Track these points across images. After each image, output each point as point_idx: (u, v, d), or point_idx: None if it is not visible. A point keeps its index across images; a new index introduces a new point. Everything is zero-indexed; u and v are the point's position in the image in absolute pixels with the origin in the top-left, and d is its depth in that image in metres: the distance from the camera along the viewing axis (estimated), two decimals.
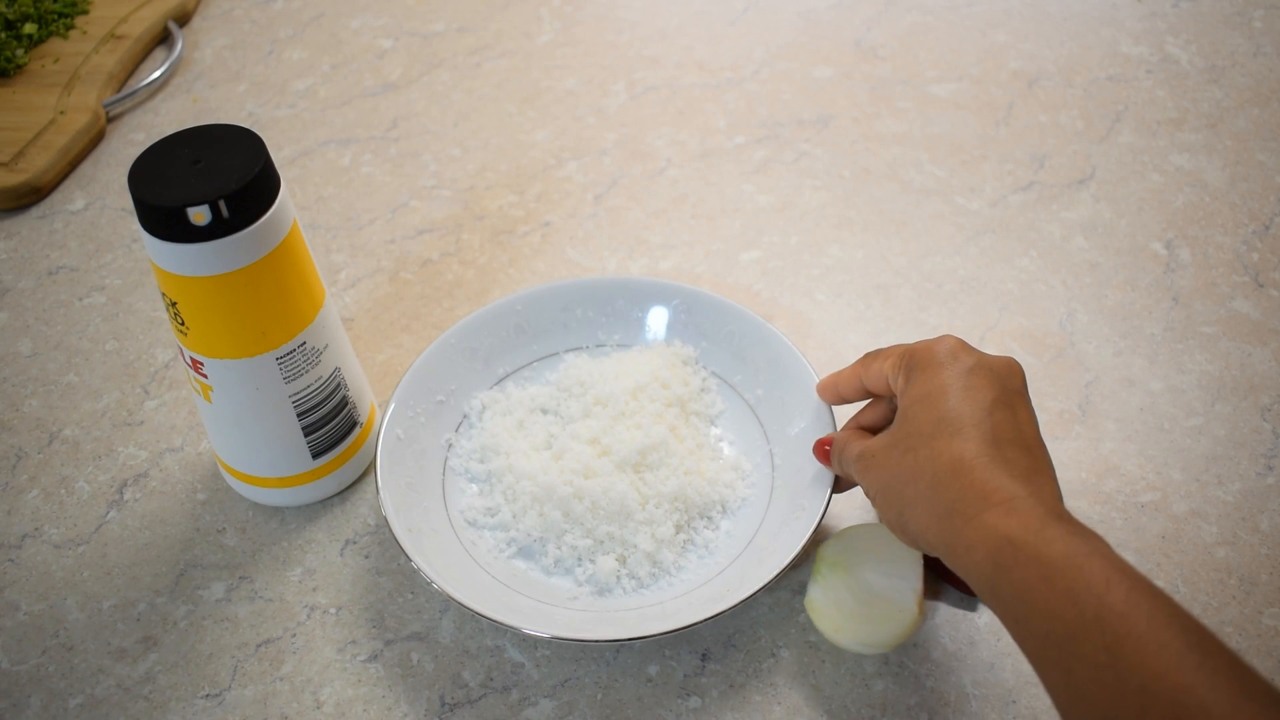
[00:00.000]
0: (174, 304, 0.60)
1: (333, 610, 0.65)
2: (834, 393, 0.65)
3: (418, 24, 1.10)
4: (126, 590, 0.67)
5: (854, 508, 0.69)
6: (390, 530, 0.63)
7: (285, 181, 0.60)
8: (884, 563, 0.61)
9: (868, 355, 0.62)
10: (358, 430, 0.70)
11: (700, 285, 0.82)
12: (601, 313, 0.76)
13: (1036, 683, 0.61)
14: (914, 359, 0.56)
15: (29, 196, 0.92)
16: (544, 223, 0.89)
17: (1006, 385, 0.54)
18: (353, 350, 0.69)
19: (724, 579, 0.63)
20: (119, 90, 1.02)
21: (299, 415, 0.65)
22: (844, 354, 0.78)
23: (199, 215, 0.55)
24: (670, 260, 0.86)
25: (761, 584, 0.59)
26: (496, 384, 0.74)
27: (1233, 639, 0.62)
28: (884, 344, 0.78)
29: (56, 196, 0.93)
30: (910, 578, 0.60)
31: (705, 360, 0.75)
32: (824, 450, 0.63)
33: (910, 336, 0.79)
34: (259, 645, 0.64)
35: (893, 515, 0.55)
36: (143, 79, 1.03)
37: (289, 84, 1.04)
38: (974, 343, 0.78)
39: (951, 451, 0.51)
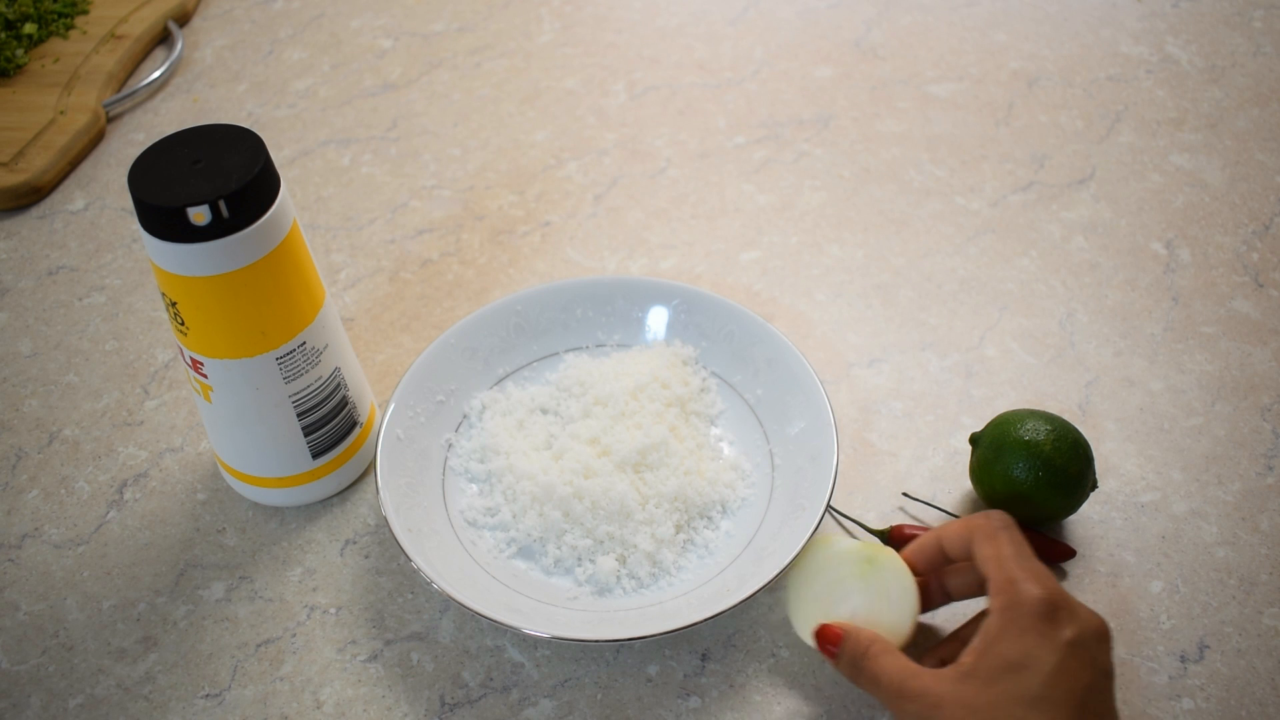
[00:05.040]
0: (174, 304, 0.60)
1: (333, 610, 0.65)
2: (924, 554, 0.59)
3: (418, 24, 1.10)
4: (126, 590, 0.67)
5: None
6: (390, 530, 0.63)
7: (285, 181, 0.60)
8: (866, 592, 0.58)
9: (985, 531, 0.56)
10: (358, 430, 0.70)
11: (700, 285, 0.82)
12: (601, 313, 0.76)
13: None
14: (1013, 603, 0.52)
15: (29, 196, 0.92)
16: (544, 223, 0.89)
17: (1098, 664, 0.51)
18: (353, 350, 0.69)
19: (724, 579, 0.63)
20: (119, 90, 1.02)
21: (299, 415, 0.65)
22: (844, 354, 0.78)
23: (199, 215, 0.55)
24: (670, 260, 0.86)
25: (761, 584, 0.59)
26: (496, 384, 0.74)
27: (1233, 639, 0.62)
28: (883, 343, 0.78)
29: (56, 196, 0.93)
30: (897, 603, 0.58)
31: (705, 360, 0.75)
32: (833, 637, 0.56)
33: (910, 336, 0.79)
34: (259, 645, 0.64)
35: None
36: (143, 79, 1.03)
37: (289, 84, 1.04)
38: (974, 343, 0.78)
39: None
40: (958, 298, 0.82)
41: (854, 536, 0.68)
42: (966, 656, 0.52)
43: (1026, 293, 0.82)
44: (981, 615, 0.57)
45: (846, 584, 0.58)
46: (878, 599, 0.57)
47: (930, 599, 0.60)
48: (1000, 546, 0.54)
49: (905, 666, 0.53)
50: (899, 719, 0.53)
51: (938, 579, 0.60)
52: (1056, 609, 0.51)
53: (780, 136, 0.96)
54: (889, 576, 0.58)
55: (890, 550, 0.60)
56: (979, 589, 0.58)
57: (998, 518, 0.56)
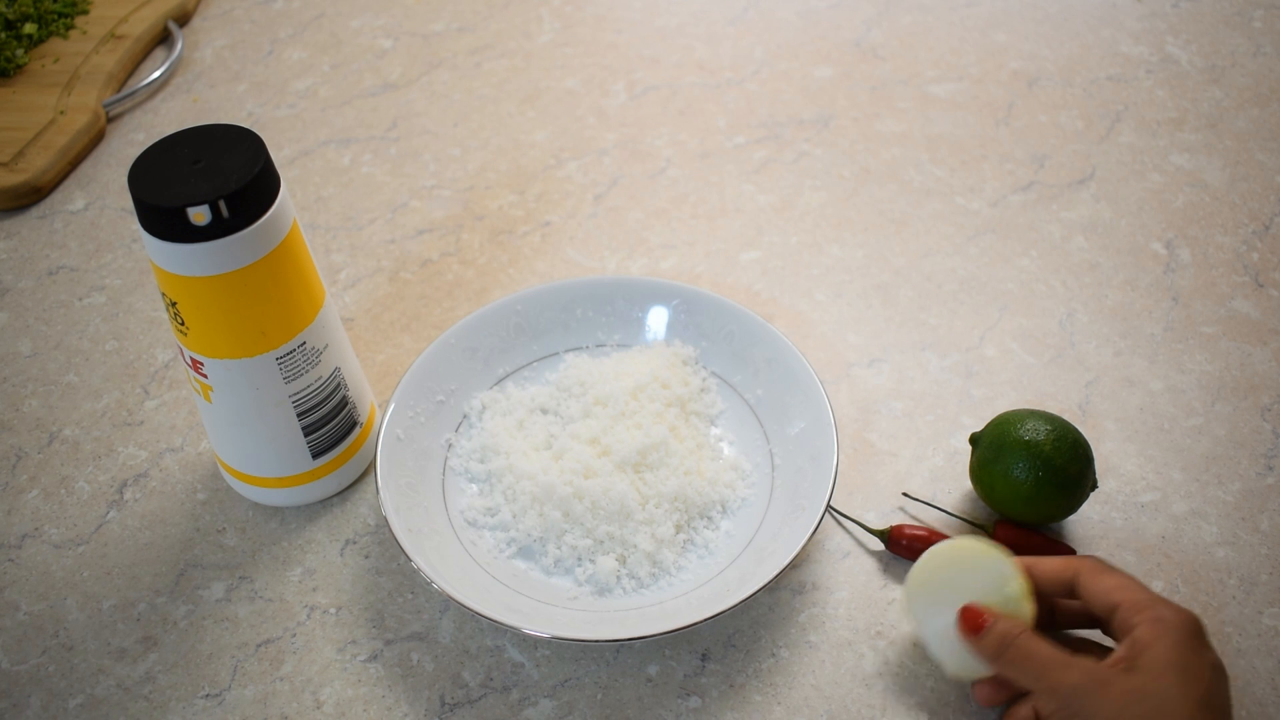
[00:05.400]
0: (174, 304, 0.60)
1: (333, 610, 0.65)
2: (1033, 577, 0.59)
3: (418, 24, 1.10)
4: (126, 590, 0.67)
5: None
6: (390, 530, 0.63)
7: (285, 181, 0.60)
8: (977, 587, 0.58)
9: (1095, 567, 0.57)
10: (358, 430, 0.70)
11: (700, 285, 0.82)
12: (601, 313, 0.76)
13: None
14: (1161, 618, 0.53)
15: (29, 196, 0.92)
16: (544, 223, 0.89)
17: (1228, 695, 0.53)
18: (353, 350, 0.69)
19: (724, 579, 0.63)
20: (119, 90, 1.02)
21: (299, 415, 0.65)
22: (844, 354, 0.78)
23: (199, 215, 0.55)
24: (670, 260, 0.86)
25: (761, 584, 0.59)
26: (496, 384, 0.74)
27: (1233, 639, 0.62)
28: (883, 344, 0.78)
29: (56, 196, 0.93)
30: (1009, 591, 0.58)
31: (705, 360, 0.75)
32: (978, 619, 0.56)
33: (910, 336, 0.79)
34: (259, 645, 0.64)
35: None
36: (143, 79, 1.03)
37: (289, 84, 1.04)
38: (974, 343, 0.78)
39: None
40: (958, 298, 0.82)
41: (855, 536, 0.68)
42: (1121, 652, 0.53)
43: (1026, 293, 0.82)
44: (1081, 640, 0.59)
45: (962, 582, 0.58)
46: (1008, 602, 0.57)
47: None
48: (1119, 577, 0.56)
49: (1059, 651, 0.54)
50: (1047, 698, 0.54)
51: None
52: (1202, 631, 0.54)
53: (780, 136, 0.96)
54: (1014, 581, 0.57)
55: (977, 543, 0.59)
56: (1085, 620, 0.59)
57: (1095, 557, 0.59)
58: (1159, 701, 0.51)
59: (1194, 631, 0.53)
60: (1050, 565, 0.58)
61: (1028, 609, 0.57)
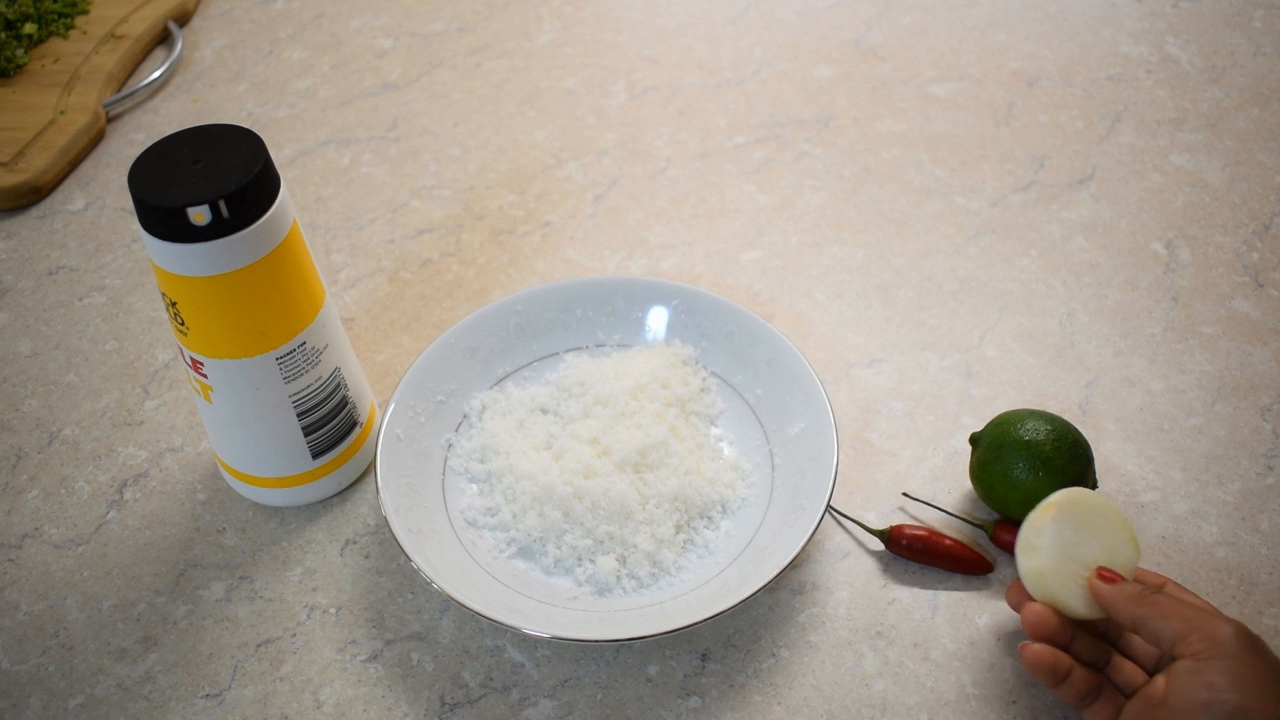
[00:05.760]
0: (174, 304, 0.60)
1: (333, 610, 0.65)
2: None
3: (418, 24, 1.10)
4: (126, 590, 0.67)
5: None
6: (390, 530, 0.63)
7: (285, 181, 0.60)
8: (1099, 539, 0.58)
9: (1146, 597, 0.56)
10: (358, 430, 0.70)
11: (700, 285, 0.82)
12: (601, 313, 0.76)
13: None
14: (1243, 633, 0.54)
15: (29, 196, 0.92)
16: (544, 223, 0.89)
17: None
18: (353, 350, 0.69)
19: (724, 579, 0.63)
20: (119, 90, 1.02)
21: (299, 415, 0.65)
22: (844, 354, 0.78)
23: (199, 215, 0.55)
24: (670, 260, 0.86)
25: (761, 584, 0.59)
26: (496, 384, 0.74)
27: None
28: (883, 344, 0.78)
29: (56, 196, 0.93)
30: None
31: (705, 360, 0.75)
32: (1114, 576, 0.57)
33: (910, 336, 0.79)
34: (259, 645, 0.64)
35: None
36: (143, 79, 1.03)
37: (289, 84, 1.04)
38: (974, 343, 0.78)
39: None
40: (958, 298, 0.82)
41: (855, 536, 0.68)
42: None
43: (1026, 293, 0.82)
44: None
45: (1111, 532, 0.58)
46: (1125, 566, 0.58)
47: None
48: (1188, 594, 0.58)
49: (1206, 604, 0.56)
50: (1195, 639, 0.53)
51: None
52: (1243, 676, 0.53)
53: (780, 136, 0.96)
54: (1133, 551, 0.58)
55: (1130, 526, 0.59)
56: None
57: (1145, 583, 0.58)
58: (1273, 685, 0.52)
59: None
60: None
61: None
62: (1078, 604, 0.57)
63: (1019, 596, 0.60)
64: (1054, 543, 0.58)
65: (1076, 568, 0.57)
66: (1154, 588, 0.56)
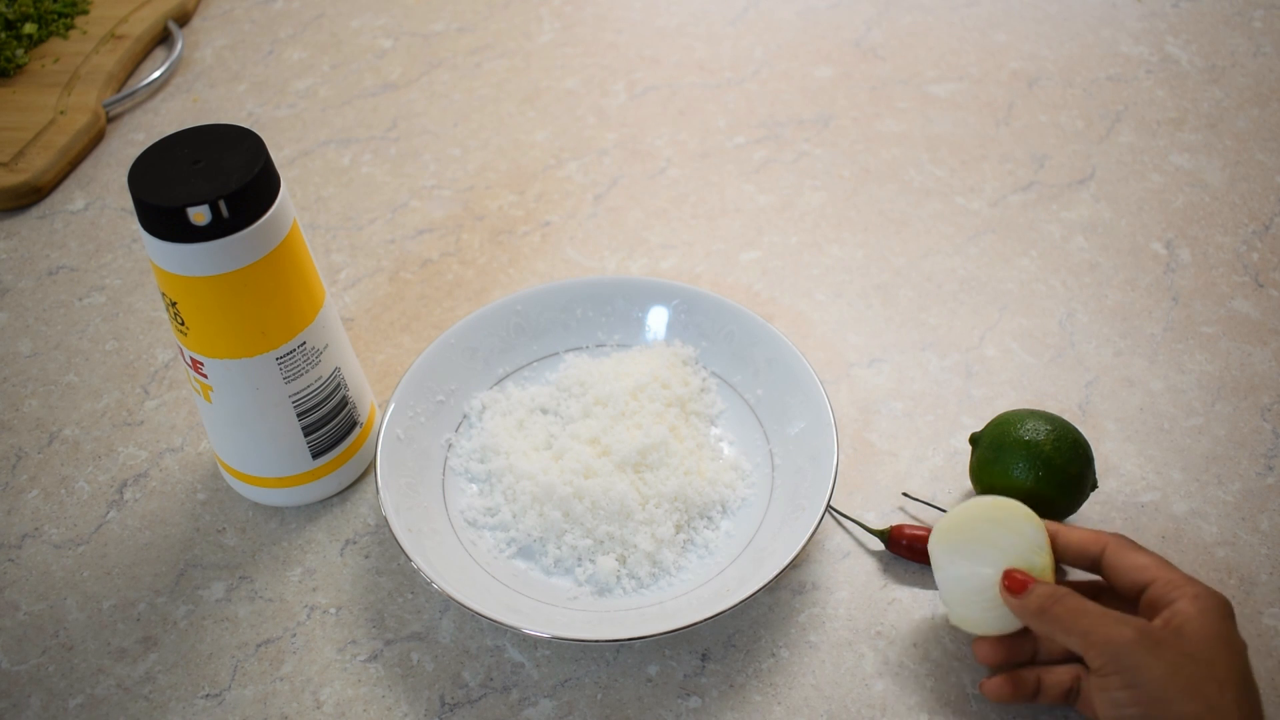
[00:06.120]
0: (174, 304, 0.60)
1: (333, 610, 0.65)
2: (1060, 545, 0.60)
3: (418, 24, 1.10)
4: (126, 590, 0.67)
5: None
6: (390, 530, 0.63)
7: (285, 181, 0.60)
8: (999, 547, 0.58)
9: (1124, 543, 0.58)
10: (358, 430, 0.70)
11: (700, 285, 0.82)
12: (601, 313, 0.76)
13: None
14: (1201, 595, 0.54)
15: (29, 196, 0.92)
16: (544, 223, 0.89)
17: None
18: (353, 350, 0.69)
19: (724, 579, 0.63)
20: (119, 90, 1.02)
21: (299, 415, 0.65)
22: (844, 354, 0.78)
23: (199, 215, 0.55)
24: (670, 260, 0.86)
25: (761, 584, 0.59)
26: (496, 384, 0.74)
27: None
28: (883, 343, 0.78)
29: (56, 196, 0.93)
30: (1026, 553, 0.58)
31: (705, 360, 0.75)
32: (1019, 584, 0.56)
33: (910, 336, 0.79)
34: (259, 645, 0.64)
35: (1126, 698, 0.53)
36: (143, 79, 1.03)
37: (289, 84, 1.04)
38: (974, 343, 0.78)
39: None
40: (958, 298, 0.82)
41: (855, 536, 0.68)
42: (1163, 621, 0.54)
43: (1026, 293, 0.82)
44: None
45: (994, 539, 0.58)
46: (1031, 570, 0.57)
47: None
48: (1149, 555, 0.57)
49: (1105, 610, 0.54)
50: (1097, 651, 0.53)
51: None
52: (1233, 612, 0.55)
53: (780, 136, 0.96)
54: (1043, 554, 0.58)
55: (1019, 506, 0.59)
56: (1064, 656, 0.59)
57: (1122, 535, 0.59)
58: (1208, 668, 0.51)
59: (1229, 611, 0.54)
60: (1077, 536, 0.59)
61: (1049, 580, 0.57)
62: (1005, 623, 0.58)
63: (985, 653, 0.60)
64: (951, 583, 0.58)
65: (985, 591, 0.57)
66: (1055, 596, 0.55)
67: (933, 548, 0.60)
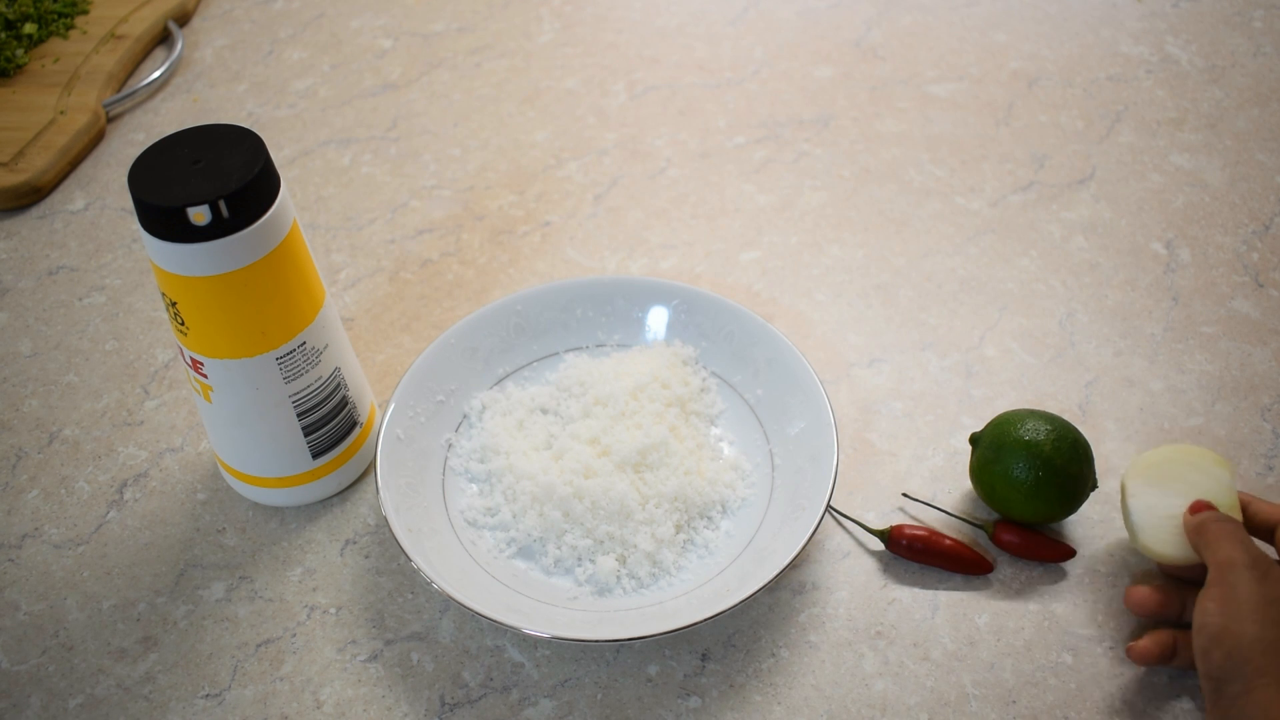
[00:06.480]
0: (174, 304, 0.60)
1: (333, 610, 0.65)
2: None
3: (418, 24, 1.10)
4: (126, 590, 0.67)
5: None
6: (390, 530, 0.63)
7: (285, 181, 0.60)
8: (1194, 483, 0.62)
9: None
10: (358, 430, 0.70)
11: (700, 285, 0.82)
12: (601, 313, 0.76)
13: (1036, 683, 0.61)
14: None
15: (29, 196, 0.92)
16: (544, 223, 0.89)
17: None
18: (353, 350, 0.69)
19: (724, 579, 0.63)
20: (119, 90, 1.02)
21: (299, 415, 0.65)
22: (844, 354, 0.78)
23: (199, 215, 0.55)
24: (670, 260, 0.86)
25: (761, 584, 0.59)
26: (496, 384, 0.74)
27: None
28: (883, 343, 0.78)
29: (56, 196, 0.93)
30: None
31: (705, 360, 0.75)
32: (1201, 504, 0.60)
33: (910, 336, 0.79)
34: (259, 645, 0.64)
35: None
36: (143, 79, 1.03)
37: (289, 84, 1.04)
38: (974, 343, 0.78)
39: None
40: (958, 298, 0.82)
41: (855, 536, 0.68)
42: None
43: (1026, 293, 0.82)
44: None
45: (1189, 477, 0.62)
46: (1218, 493, 0.61)
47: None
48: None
49: (1247, 537, 0.58)
50: (1211, 570, 0.57)
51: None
52: None
53: (780, 136, 0.96)
54: (1224, 476, 0.61)
55: (1213, 454, 0.63)
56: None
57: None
58: None
59: None
60: (1263, 507, 0.61)
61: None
62: (1182, 551, 0.61)
63: (1139, 600, 0.62)
64: (1142, 510, 0.62)
65: (1174, 518, 0.61)
66: (1219, 518, 0.59)
67: (1128, 479, 0.63)
